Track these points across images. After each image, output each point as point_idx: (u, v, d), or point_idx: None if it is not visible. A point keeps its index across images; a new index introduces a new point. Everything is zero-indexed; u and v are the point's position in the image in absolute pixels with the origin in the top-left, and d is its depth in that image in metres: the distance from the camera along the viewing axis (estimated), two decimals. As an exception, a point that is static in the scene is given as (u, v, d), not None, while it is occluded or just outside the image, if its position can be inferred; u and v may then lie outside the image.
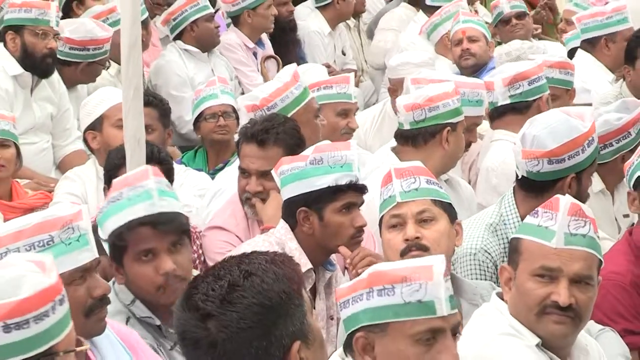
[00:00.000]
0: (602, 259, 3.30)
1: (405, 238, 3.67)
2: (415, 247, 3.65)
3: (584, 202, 4.25)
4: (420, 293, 2.84)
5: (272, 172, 4.28)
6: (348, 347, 2.95)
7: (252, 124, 4.79)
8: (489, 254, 4.23)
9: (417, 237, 3.67)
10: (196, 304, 2.40)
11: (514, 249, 3.32)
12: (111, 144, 5.09)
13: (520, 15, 8.07)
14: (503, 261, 4.07)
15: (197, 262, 4.58)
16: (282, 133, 4.66)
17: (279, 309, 2.41)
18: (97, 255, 3.26)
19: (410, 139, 4.85)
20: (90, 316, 3.22)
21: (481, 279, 4.15)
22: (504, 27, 7.95)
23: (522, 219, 4.05)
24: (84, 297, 3.19)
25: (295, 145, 4.62)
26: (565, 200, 3.28)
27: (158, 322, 3.67)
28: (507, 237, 4.14)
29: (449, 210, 3.80)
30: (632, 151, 4.66)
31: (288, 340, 2.40)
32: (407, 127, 4.87)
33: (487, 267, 4.22)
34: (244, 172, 4.68)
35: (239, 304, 2.37)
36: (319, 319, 3.95)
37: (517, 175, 4.42)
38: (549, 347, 3.23)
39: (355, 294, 2.89)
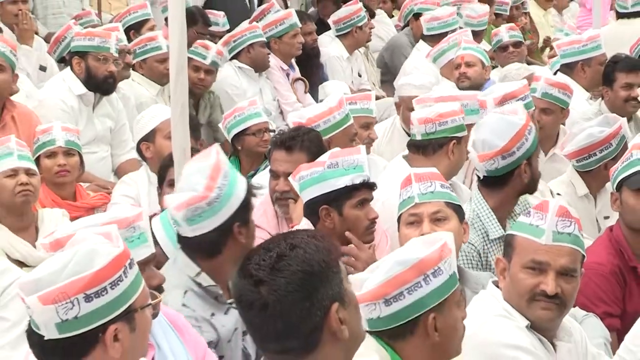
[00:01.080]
0: (584, 254, 3.30)
1: (422, 234, 3.64)
2: None
3: (538, 180, 4.56)
4: (452, 266, 2.92)
5: (290, 178, 4.28)
6: (395, 334, 2.91)
7: (281, 134, 4.91)
8: (473, 245, 4.23)
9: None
10: (250, 272, 2.46)
11: (508, 244, 3.35)
12: (162, 153, 5.08)
13: (516, 44, 8.07)
14: (484, 249, 4.23)
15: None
16: (306, 141, 4.70)
17: (320, 275, 2.46)
18: (154, 251, 3.28)
19: (421, 149, 4.85)
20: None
21: (468, 267, 4.15)
22: (501, 53, 7.92)
23: (494, 211, 4.22)
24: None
25: (317, 152, 4.60)
26: (554, 203, 3.31)
27: (220, 292, 3.68)
28: (484, 229, 4.27)
29: (459, 211, 3.85)
30: (614, 159, 4.69)
31: (327, 302, 2.45)
32: (419, 137, 4.87)
33: (472, 256, 4.23)
34: (274, 175, 4.70)
35: (286, 271, 2.43)
36: None
37: (478, 177, 4.50)
38: (536, 329, 3.25)
39: (408, 285, 2.86)
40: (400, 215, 3.85)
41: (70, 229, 3.12)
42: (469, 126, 4.99)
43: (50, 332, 2.47)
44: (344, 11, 8.52)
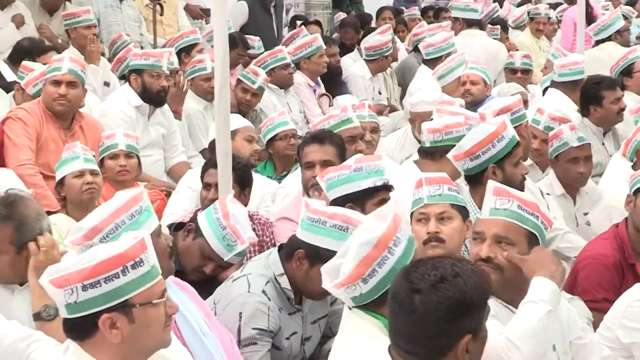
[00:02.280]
0: (531, 230, 3.23)
1: (428, 232, 3.71)
2: (434, 239, 3.71)
3: (515, 186, 4.24)
4: (407, 232, 3.12)
5: (317, 178, 4.27)
6: (375, 304, 2.96)
7: (309, 134, 4.99)
8: None
9: (437, 232, 3.72)
10: (412, 279, 2.47)
11: None
12: (241, 152, 5.24)
13: (525, 71, 8.04)
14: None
15: (267, 246, 4.54)
16: (333, 135, 4.83)
17: (468, 308, 2.45)
18: None
19: (429, 154, 4.85)
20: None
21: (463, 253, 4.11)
22: (510, 75, 7.88)
23: (478, 207, 4.06)
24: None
25: (341, 145, 4.78)
26: (490, 185, 3.34)
27: (292, 296, 3.68)
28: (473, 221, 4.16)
29: (463, 212, 3.85)
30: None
31: (464, 331, 2.45)
32: (428, 145, 4.87)
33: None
34: (308, 166, 4.67)
35: (441, 293, 2.42)
36: None
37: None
38: (492, 294, 3.09)
39: (377, 261, 2.94)
40: (412, 212, 3.83)
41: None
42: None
43: (63, 312, 2.60)
44: (375, 40, 8.45)
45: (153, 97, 6.26)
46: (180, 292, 3.37)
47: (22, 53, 6.91)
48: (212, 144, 5.46)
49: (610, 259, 4.16)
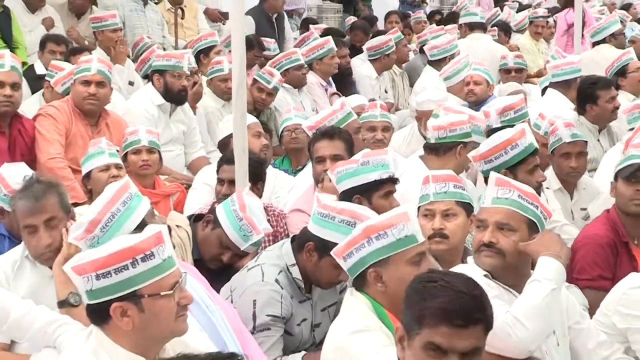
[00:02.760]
0: (531, 218, 3.24)
1: (433, 227, 3.68)
2: (438, 235, 3.67)
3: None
4: (405, 230, 3.00)
5: (328, 172, 4.27)
6: (358, 283, 3.09)
7: (320, 130, 4.93)
8: None
9: (441, 228, 3.69)
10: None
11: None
12: (251, 148, 5.09)
13: (518, 70, 8.04)
14: None
15: (280, 236, 4.53)
16: (342, 132, 4.82)
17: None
18: None
19: (434, 150, 4.86)
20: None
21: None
22: (504, 75, 7.86)
23: None
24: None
25: (349, 140, 4.78)
26: (493, 176, 3.35)
27: (302, 285, 3.68)
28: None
29: (467, 208, 3.80)
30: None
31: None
32: (433, 141, 4.88)
33: None
34: (319, 160, 4.67)
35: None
36: None
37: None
38: (495, 278, 3.18)
39: (356, 246, 3.04)
40: (419, 207, 3.78)
41: None
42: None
43: (84, 298, 2.63)
44: (375, 40, 8.48)
45: (174, 96, 6.26)
46: (188, 275, 3.35)
47: None
48: (221, 143, 5.53)
49: (605, 239, 4.18)
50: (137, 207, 3.34)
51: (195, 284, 3.35)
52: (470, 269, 3.17)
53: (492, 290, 3.07)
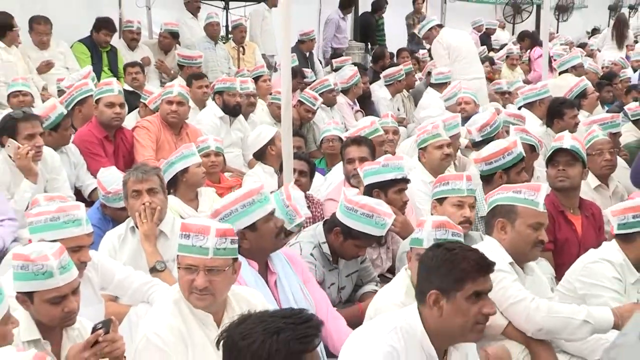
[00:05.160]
0: None
1: (464, 215, 3.62)
2: (466, 222, 3.62)
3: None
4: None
5: (358, 169, 4.27)
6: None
7: (350, 138, 4.91)
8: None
9: (469, 217, 3.65)
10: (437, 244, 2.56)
11: (509, 210, 3.14)
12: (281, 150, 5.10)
13: (511, 92, 7.92)
14: (475, 223, 4.00)
15: (318, 219, 4.45)
16: (367, 139, 4.83)
17: (437, 270, 2.40)
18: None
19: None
20: (278, 237, 3.23)
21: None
22: (500, 96, 7.73)
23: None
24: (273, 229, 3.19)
25: (372, 146, 4.76)
26: (545, 187, 3.21)
27: (331, 258, 3.64)
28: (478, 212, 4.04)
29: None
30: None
31: (433, 287, 2.40)
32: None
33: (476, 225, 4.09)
34: (349, 161, 4.65)
35: (436, 254, 2.43)
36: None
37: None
38: (517, 263, 3.10)
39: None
40: (446, 197, 3.68)
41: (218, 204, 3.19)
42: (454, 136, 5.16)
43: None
44: (391, 70, 8.43)
45: (230, 110, 6.26)
46: (287, 264, 3.30)
47: None
48: (257, 153, 5.54)
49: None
50: (253, 212, 3.13)
51: (292, 277, 3.26)
52: (496, 251, 3.05)
53: (513, 274, 3.05)
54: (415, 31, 8.59)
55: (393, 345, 2.27)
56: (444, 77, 7.86)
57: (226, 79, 6.53)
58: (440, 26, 8.30)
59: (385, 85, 8.34)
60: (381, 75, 8.51)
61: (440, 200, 3.72)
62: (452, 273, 2.33)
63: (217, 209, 3.14)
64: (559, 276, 3.80)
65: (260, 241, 3.13)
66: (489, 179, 4.32)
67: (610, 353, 1.57)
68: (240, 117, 6.41)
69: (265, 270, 3.20)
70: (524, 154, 4.42)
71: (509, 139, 4.61)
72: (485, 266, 2.37)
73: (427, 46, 9.68)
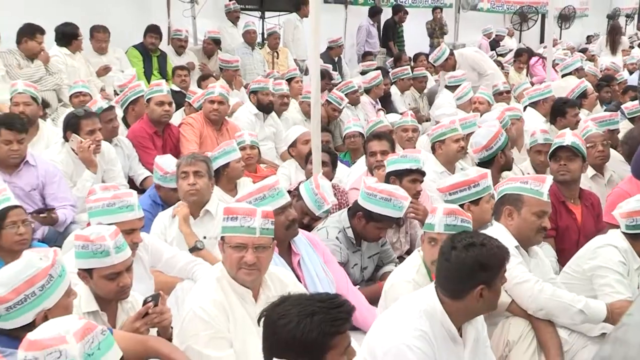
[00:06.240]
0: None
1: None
2: None
3: (510, 163, 4.41)
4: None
5: (385, 161, 4.24)
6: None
7: (372, 133, 4.91)
8: None
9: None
10: (454, 239, 2.36)
11: (516, 198, 3.06)
12: (302, 153, 5.13)
13: (508, 92, 7.69)
14: None
15: (343, 206, 4.41)
16: (387, 134, 4.82)
17: (484, 267, 2.30)
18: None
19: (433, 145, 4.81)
20: (289, 229, 3.17)
21: None
22: (498, 96, 7.58)
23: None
24: (284, 221, 3.12)
25: (392, 140, 4.76)
26: (549, 179, 3.13)
27: (354, 241, 3.62)
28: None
29: None
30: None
31: (479, 282, 2.31)
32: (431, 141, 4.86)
33: None
34: (371, 154, 4.62)
35: (470, 253, 2.30)
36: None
37: (477, 163, 4.41)
38: (522, 247, 3.04)
39: None
40: (483, 196, 3.49)
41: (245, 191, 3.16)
42: (470, 134, 4.95)
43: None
44: (395, 70, 8.59)
45: (264, 108, 6.23)
46: (308, 245, 3.30)
47: None
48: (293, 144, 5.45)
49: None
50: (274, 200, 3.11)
51: (314, 256, 3.25)
52: (503, 236, 2.97)
53: (520, 255, 2.99)
54: (431, 60, 8.52)
55: (422, 328, 2.27)
56: (457, 80, 7.76)
57: (260, 80, 6.49)
58: (452, 53, 8.16)
59: (394, 82, 8.37)
60: (390, 73, 8.58)
61: (476, 202, 3.50)
62: (495, 265, 2.31)
63: (237, 199, 3.15)
64: (560, 259, 3.76)
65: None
66: (489, 163, 4.34)
67: (617, 332, 1.55)
68: (273, 113, 6.37)
69: (287, 253, 3.19)
70: (507, 143, 4.51)
71: (493, 123, 4.66)
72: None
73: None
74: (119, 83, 6.44)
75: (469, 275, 2.29)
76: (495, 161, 4.36)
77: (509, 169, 4.51)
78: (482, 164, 4.34)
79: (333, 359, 1.84)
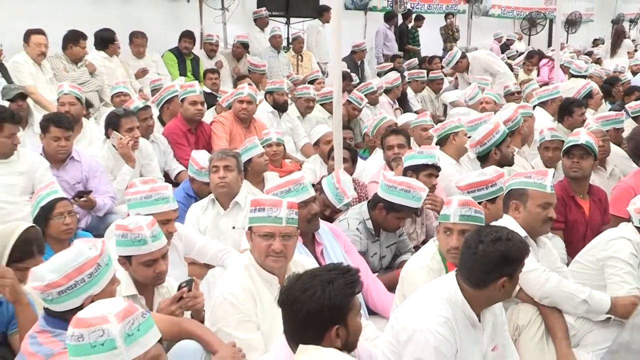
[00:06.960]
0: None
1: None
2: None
3: (507, 158, 4.31)
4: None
5: (401, 155, 4.19)
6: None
7: (389, 129, 4.83)
8: None
9: None
10: (481, 232, 2.32)
11: (521, 192, 3.00)
12: (324, 152, 5.11)
13: (518, 92, 7.53)
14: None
15: (363, 199, 4.38)
16: (403, 130, 4.79)
17: (508, 261, 2.25)
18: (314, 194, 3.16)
19: (440, 140, 4.72)
20: (310, 222, 3.13)
21: None
22: (510, 97, 7.48)
23: None
24: (306, 215, 3.07)
25: (407, 135, 4.70)
26: (550, 172, 3.05)
27: (373, 232, 3.58)
28: None
29: None
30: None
31: (502, 274, 2.25)
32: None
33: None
34: (389, 147, 4.56)
35: (496, 247, 2.25)
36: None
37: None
38: (531, 237, 2.95)
39: None
40: (499, 195, 3.35)
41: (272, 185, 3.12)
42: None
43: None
44: (413, 71, 8.49)
45: (279, 106, 6.18)
46: (330, 235, 3.28)
47: None
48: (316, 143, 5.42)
49: (558, 194, 3.87)
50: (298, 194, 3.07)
51: (336, 246, 3.23)
52: (512, 227, 2.88)
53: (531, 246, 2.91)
54: (444, 64, 8.44)
55: (446, 316, 2.25)
56: (484, 82, 7.73)
57: (275, 81, 6.47)
58: (464, 55, 8.05)
59: (408, 83, 8.31)
60: (406, 74, 8.49)
61: (492, 200, 3.41)
62: (518, 259, 2.28)
63: (266, 190, 3.14)
64: (568, 251, 3.71)
65: None
66: (485, 158, 4.30)
67: (635, 319, 1.52)
68: (289, 110, 6.32)
69: (311, 243, 3.18)
70: (508, 132, 4.43)
71: (491, 120, 4.57)
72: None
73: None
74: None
75: (494, 267, 2.26)
76: (490, 157, 4.30)
77: (509, 164, 4.41)
78: (481, 158, 4.34)
79: (352, 319, 1.92)
